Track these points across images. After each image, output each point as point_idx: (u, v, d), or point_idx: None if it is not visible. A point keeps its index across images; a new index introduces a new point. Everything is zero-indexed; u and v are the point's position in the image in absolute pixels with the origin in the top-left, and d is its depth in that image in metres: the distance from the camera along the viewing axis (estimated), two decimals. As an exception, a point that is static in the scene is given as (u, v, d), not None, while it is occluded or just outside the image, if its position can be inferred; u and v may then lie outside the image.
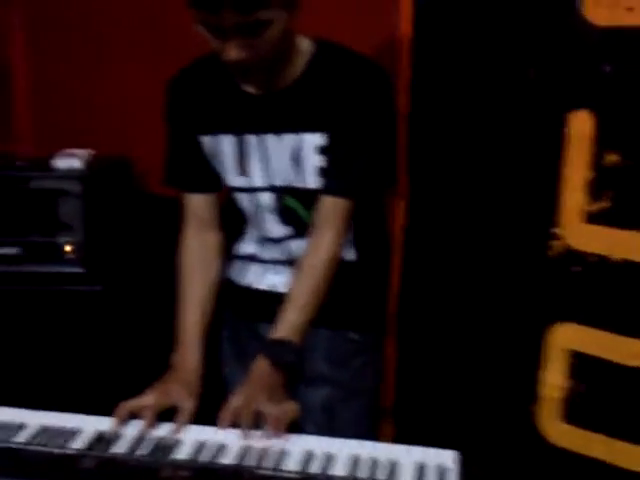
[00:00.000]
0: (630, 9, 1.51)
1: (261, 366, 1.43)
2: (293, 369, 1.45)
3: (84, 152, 2.32)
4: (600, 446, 1.67)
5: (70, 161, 2.28)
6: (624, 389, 1.63)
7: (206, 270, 1.62)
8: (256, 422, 1.34)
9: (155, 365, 2.36)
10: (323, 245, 1.50)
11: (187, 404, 1.40)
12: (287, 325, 1.46)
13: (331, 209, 1.50)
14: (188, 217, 1.64)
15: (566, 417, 1.72)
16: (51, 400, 1.51)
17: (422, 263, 1.95)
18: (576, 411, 1.71)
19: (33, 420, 1.36)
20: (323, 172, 1.50)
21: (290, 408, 1.38)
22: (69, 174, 2.24)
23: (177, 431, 1.34)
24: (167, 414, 1.39)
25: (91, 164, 2.30)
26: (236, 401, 1.36)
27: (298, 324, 1.46)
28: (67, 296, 2.24)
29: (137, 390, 1.45)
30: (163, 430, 1.35)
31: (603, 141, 1.59)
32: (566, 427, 1.72)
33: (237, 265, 1.68)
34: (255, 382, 1.41)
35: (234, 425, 1.33)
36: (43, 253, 2.25)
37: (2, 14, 2.74)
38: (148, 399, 1.40)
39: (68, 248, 2.24)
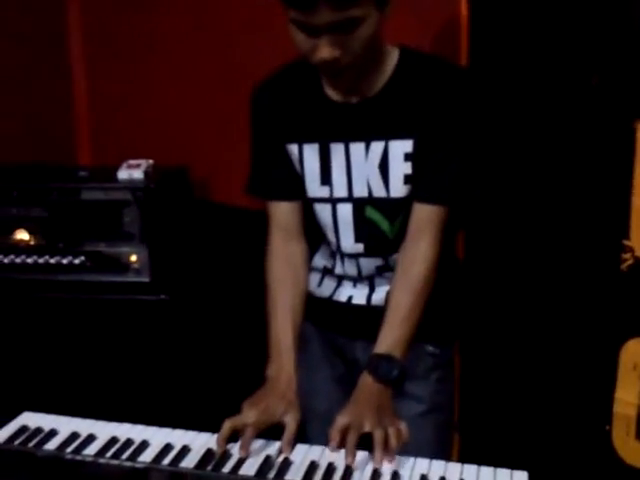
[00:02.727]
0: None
1: (367, 383, 1.40)
2: (398, 385, 1.42)
3: (144, 162, 2.33)
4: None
5: (131, 172, 2.30)
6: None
7: (295, 280, 1.59)
8: (364, 443, 1.29)
9: (223, 374, 2.40)
10: (420, 255, 1.48)
11: (291, 420, 1.37)
12: (389, 340, 1.44)
13: (426, 217, 1.48)
14: (273, 226, 1.62)
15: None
16: (116, 409, 1.52)
17: (488, 275, 1.92)
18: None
19: (103, 431, 1.37)
20: (413, 180, 1.48)
21: (401, 430, 1.32)
22: (131, 185, 2.26)
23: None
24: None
25: (152, 174, 2.32)
26: (343, 420, 1.31)
27: (400, 339, 1.44)
28: (133, 305, 2.26)
29: (207, 400, 1.42)
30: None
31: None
32: (640, 446, 1.68)
33: (312, 277, 1.67)
34: (363, 401, 1.37)
35: (341, 445, 1.29)
36: (108, 263, 2.28)
37: (62, 31, 2.80)
38: (250, 416, 1.36)
39: (133, 258, 2.26)
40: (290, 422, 1.36)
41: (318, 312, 1.66)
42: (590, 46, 1.64)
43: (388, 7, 1.37)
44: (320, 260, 1.65)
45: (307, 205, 1.59)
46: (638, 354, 1.65)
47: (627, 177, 1.60)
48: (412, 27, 1.93)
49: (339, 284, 1.64)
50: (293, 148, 1.56)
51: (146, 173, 2.30)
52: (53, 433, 1.37)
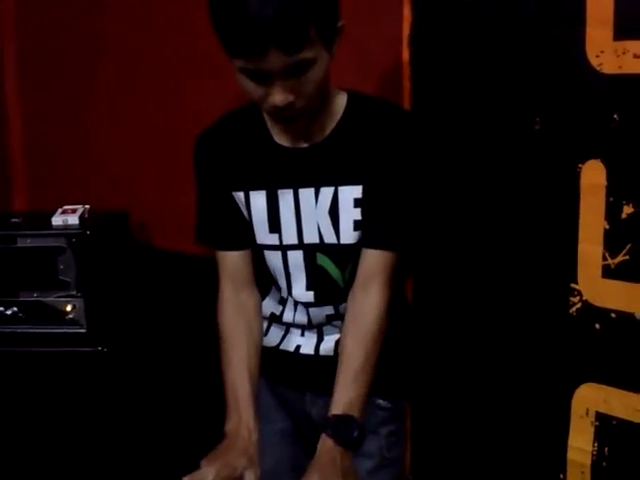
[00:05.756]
0: (639, 57, 1.48)
1: (328, 447, 1.35)
2: (358, 445, 1.38)
3: (81, 207, 2.28)
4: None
5: (66, 217, 2.24)
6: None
7: (248, 330, 1.54)
8: None
9: (164, 431, 2.33)
10: (370, 302, 1.44)
11: (251, 476, 1.33)
12: (346, 398, 1.39)
13: (375, 263, 1.45)
14: (223, 276, 1.57)
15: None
16: (51, 467, 1.46)
17: (435, 323, 1.89)
18: (603, 477, 1.63)
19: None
20: (363, 225, 1.46)
21: None
22: (66, 231, 2.19)
23: None
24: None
25: (88, 220, 2.26)
26: None
27: (356, 396, 1.39)
28: (69, 357, 2.18)
29: (145, 453, 1.39)
30: None
31: (617, 192, 1.53)
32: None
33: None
34: (327, 467, 1.32)
35: None
36: (42, 313, 2.20)
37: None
38: (210, 472, 1.31)
39: (68, 307, 2.19)
40: (250, 478, 1.33)
41: (264, 362, 1.60)
42: (532, 90, 1.64)
43: (334, 49, 1.35)
44: (268, 307, 1.61)
45: (257, 250, 1.55)
46: (590, 400, 1.62)
47: (573, 220, 1.60)
48: (354, 70, 1.91)
49: (287, 332, 1.60)
50: (240, 196, 1.52)
51: (82, 218, 2.24)
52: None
